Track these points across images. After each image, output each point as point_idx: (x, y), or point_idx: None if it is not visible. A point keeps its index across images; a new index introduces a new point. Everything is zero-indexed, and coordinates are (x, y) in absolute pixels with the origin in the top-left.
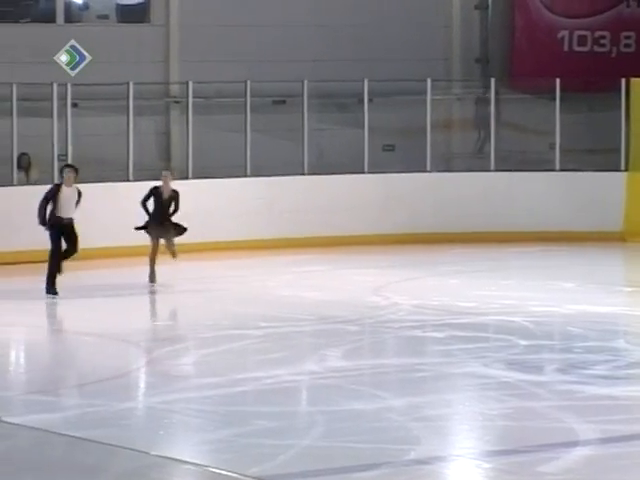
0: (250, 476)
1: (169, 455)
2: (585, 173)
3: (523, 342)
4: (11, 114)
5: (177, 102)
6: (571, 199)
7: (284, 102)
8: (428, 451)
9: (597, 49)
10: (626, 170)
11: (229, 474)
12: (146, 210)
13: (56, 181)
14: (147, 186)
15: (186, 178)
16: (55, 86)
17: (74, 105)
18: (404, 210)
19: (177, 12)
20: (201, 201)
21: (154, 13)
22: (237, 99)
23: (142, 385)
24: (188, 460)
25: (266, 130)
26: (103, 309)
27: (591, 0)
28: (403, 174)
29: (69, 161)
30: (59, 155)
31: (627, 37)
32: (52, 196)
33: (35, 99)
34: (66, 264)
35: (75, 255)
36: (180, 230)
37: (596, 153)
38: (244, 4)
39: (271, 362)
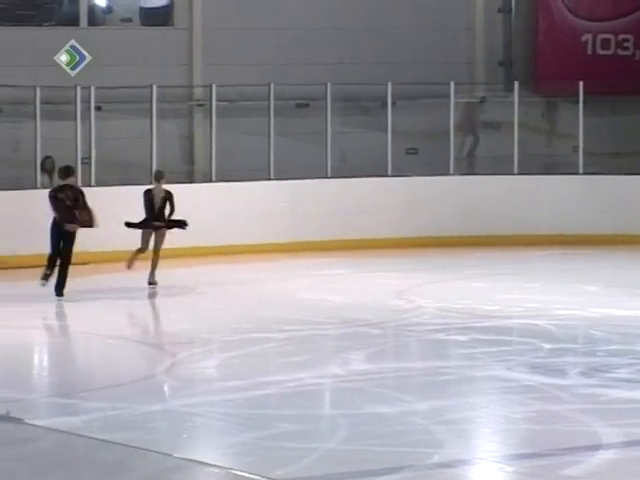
0: (274, 479)
1: (192, 457)
2: (608, 176)
3: (547, 345)
4: (35, 117)
5: (200, 105)
6: (594, 202)
7: (307, 105)
8: (451, 454)
9: (620, 52)
10: None
11: (253, 477)
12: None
13: (80, 184)
14: (170, 189)
15: (209, 181)
16: (79, 89)
17: (97, 108)
18: (427, 213)
19: (200, 15)
20: (224, 204)
21: (177, 16)
22: (260, 102)
23: (165, 388)
24: (211, 463)
25: (289, 133)
26: (124, 312)
27: (614, 3)
28: (426, 177)
29: (92, 164)
30: (82, 158)
31: None
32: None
33: (58, 102)
34: (91, 267)
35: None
36: (180, 224)
37: (619, 156)
38: (267, 7)
39: (294, 365)
